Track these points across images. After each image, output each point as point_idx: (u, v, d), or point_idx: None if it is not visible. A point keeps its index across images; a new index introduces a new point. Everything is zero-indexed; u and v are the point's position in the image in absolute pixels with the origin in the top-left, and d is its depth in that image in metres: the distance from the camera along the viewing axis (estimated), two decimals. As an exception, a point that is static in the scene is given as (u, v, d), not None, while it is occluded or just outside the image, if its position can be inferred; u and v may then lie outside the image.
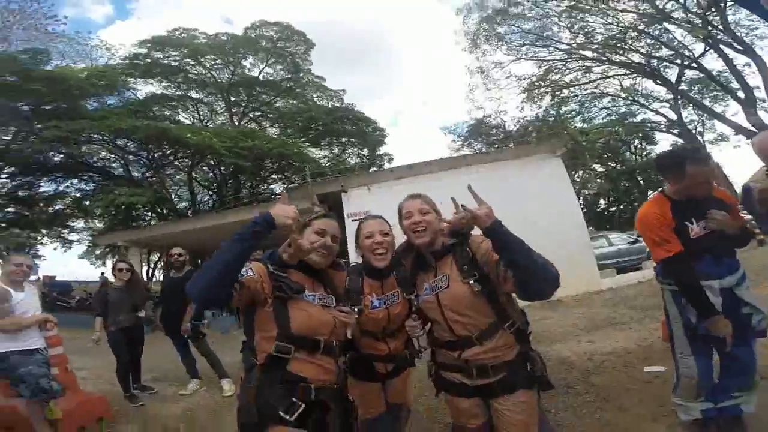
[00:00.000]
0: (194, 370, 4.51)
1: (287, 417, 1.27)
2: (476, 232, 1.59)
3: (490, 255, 1.53)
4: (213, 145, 14.39)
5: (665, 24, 15.45)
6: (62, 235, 22.36)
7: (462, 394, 1.64)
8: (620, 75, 17.98)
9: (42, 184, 18.39)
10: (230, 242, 1.26)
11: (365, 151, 21.57)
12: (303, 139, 20.12)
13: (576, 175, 22.39)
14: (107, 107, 16.76)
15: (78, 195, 19.20)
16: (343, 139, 20.68)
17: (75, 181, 18.79)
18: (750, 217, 2.21)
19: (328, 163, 20.91)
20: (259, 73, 19.76)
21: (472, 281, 1.54)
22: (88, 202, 19.05)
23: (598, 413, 2.62)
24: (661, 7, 14.88)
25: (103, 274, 23.30)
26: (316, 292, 1.52)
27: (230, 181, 19.63)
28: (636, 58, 17.04)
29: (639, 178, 24.90)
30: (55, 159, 16.71)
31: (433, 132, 69.63)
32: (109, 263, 32.28)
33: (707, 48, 15.10)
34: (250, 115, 21.02)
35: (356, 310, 1.66)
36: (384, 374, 1.88)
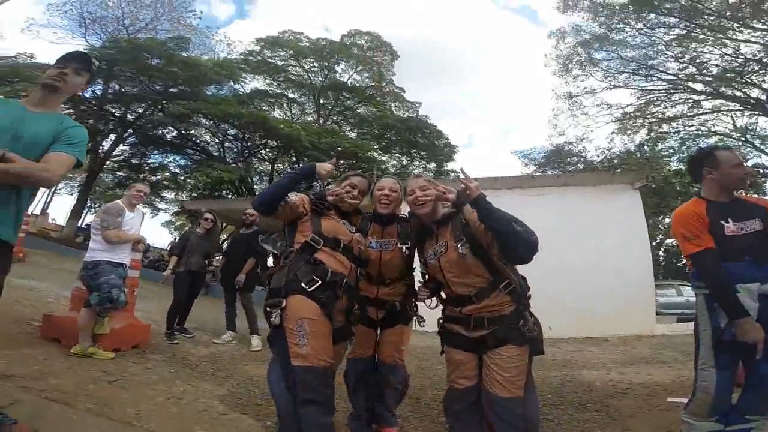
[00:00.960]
0: (232, 324, 4.89)
1: (306, 288, 1.66)
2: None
3: (480, 223, 1.73)
4: (300, 137, 15.69)
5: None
6: (154, 202, 25.75)
7: (459, 346, 1.83)
8: (734, 111, 15.71)
9: (151, 156, 21.41)
10: (285, 176, 1.91)
11: (432, 165, 21.59)
12: (376, 146, 20.86)
13: (662, 220, 19.93)
14: (221, 95, 19.05)
15: (176, 170, 21.97)
16: (413, 151, 20.97)
17: (178, 157, 21.44)
18: None
19: (396, 171, 21.32)
20: (348, 79, 21.01)
21: (459, 245, 1.76)
22: (183, 178, 21.65)
23: (600, 429, 2.47)
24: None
25: (175, 239, 26.63)
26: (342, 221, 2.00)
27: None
28: (756, 93, 14.88)
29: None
30: (168, 136, 19.36)
31: (507, 157, 67.89)
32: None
33: None
34: (334, 117, 22.30)
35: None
36: (376, 320, 2.20)
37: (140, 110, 19.10)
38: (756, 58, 13.91)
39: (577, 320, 6.40)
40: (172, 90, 17.49)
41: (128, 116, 19.00)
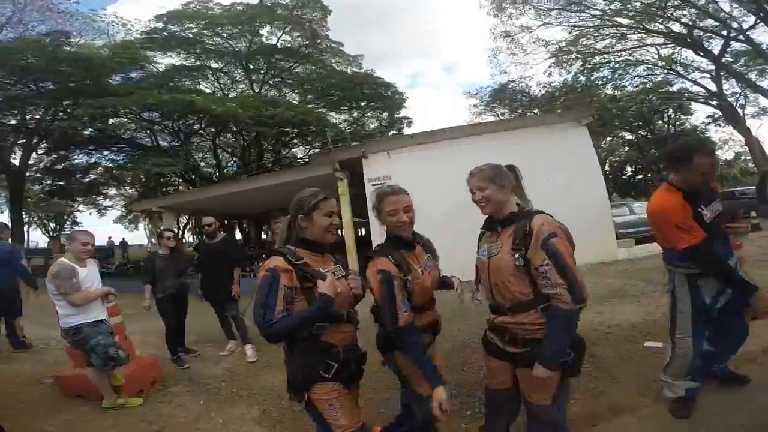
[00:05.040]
0: (231, 334, 4.85)
1: (327, 376, 1.65)
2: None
3: (537, 250, 1.61)
4: (238, 116, 14.58)
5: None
6: (97, 202, 23.87)
7: (493, 354, 1.85)
8: (658, 44, 16.93)
9: (75, 157, 19.38)
10: (310, 315, 1.59)
11: (384, 115, 21.30)
12: (323, 105, 20.03)
13: (603, 142, 21.68)
14: (131, 81, 16.97)
15: (110, 165, 20.04)
16: (362, 103, 20.42)
17: (106, 152, 19.47)
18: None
19: (348, 128, 20.85)
20: (277, 41, 19.22)
21: (517, 255, 1.65)
22: (117, 172, 19.96)
23: (594, 383, 2.82)
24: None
25: (110, 238, 24.92)
26: (328, 268, 1.74)
27: (252, 147, 19.96)
28: (676, 27, 15.91)
29: (670, 148, 23.96)
30: (86, 133, 17.18)
31: (455, 94, 67.66)
32: (141, 226, 34.44)
33: (758, 21, 14.02)
34: (270, 82, 20.82)
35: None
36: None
37: (38, 116, 16.69)
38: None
39: (546, 257, 7.04)
40: (70, 85, 15.11)
41: (28, 123, 16.58)
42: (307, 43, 19.55)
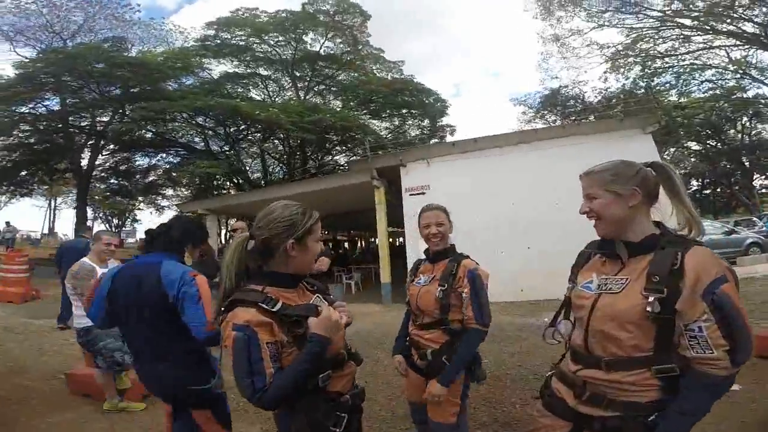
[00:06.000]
0: None
1: (338, 430, 1.36)
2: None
3: (696, 300, 1.10)
4: (280, 121, 14.98)
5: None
6: (155, 201, 25.59)
7: (549, 408, 1.39)
8: (728, 45, 15.33)
9: (137, 158, 21.07)
10: (303, 369, 1.26)
11: (426, 123, 20.97)
12: (364, 111, 20.12)
13: (666, 152, 19.87)
14: (186, 87, 18.04)
15: (167, 167, 21.53)
16: (404, 111, 20.27)
17: (164, 155, 20.97)
18: None
19: (389, 135, 20.76)
20: (320, 48, 19.75)
21: (652, 299, 1.14)
22: (175, 174, 21.20)
23: None
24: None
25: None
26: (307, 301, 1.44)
27: (298, 154, 20.43)
28: (749, 27, 14.32)
29: (744, 159, 21.29)
30: (147, 136, 18.64)
31: (501, 103, 66.19)
32: (196, 225, 36.58)
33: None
34: (315, 89, 21.33)
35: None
36: (419, 366, 2.02)
37: (106, 118, 18.28)
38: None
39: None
40: (132, 90, 16.33)
41: (96, 125, 18.18)
42: (349, 49, 19.86)
